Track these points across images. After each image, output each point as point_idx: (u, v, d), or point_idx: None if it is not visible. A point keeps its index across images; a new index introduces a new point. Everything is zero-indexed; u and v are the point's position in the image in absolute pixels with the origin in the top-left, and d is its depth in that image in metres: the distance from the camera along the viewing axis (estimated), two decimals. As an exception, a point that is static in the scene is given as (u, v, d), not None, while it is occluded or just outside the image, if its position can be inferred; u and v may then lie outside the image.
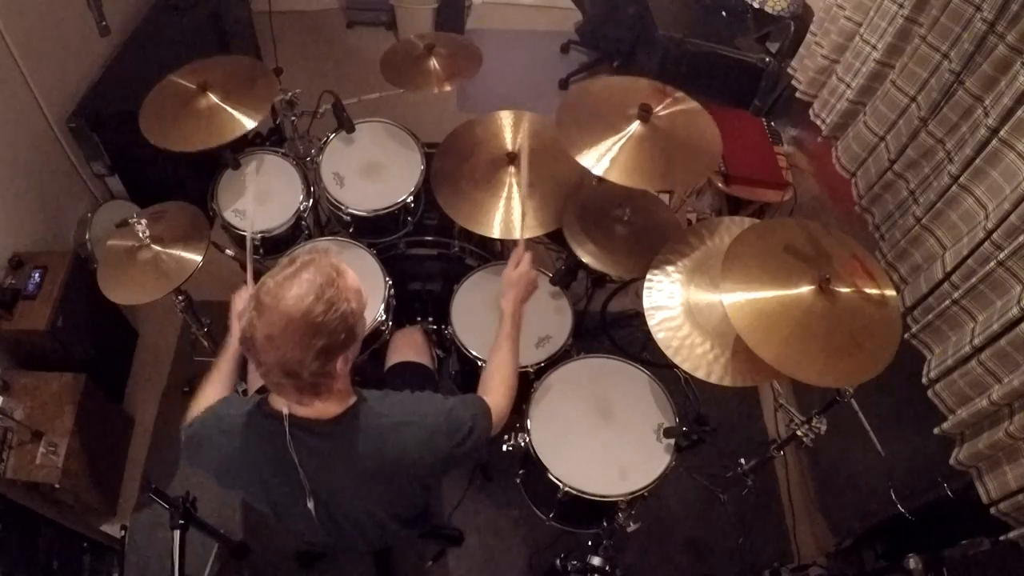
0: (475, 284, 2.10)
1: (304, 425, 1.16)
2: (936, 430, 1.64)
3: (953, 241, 1.66)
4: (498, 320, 1.55)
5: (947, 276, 1.63)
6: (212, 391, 1.42)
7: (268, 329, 1.03)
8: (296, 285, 1.04)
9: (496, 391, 1.42)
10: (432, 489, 1.43)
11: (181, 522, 1.64)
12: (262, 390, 1.42)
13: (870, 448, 1.98)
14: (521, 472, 1.96)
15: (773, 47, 2.88)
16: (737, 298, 1.48)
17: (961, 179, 1.63)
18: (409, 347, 1.99)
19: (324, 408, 1.17)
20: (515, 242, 1.70)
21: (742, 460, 2.10)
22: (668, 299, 1.71)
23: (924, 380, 1.69)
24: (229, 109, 1.96)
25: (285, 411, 1.15)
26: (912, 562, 1.63)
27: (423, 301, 2.33)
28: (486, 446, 1.36)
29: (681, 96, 1.83)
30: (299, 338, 1.03)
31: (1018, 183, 1.46)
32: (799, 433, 1.81)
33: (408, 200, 2.16)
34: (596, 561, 1.74)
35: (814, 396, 1.97)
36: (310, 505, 1.22)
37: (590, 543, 1.79)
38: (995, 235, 1.48)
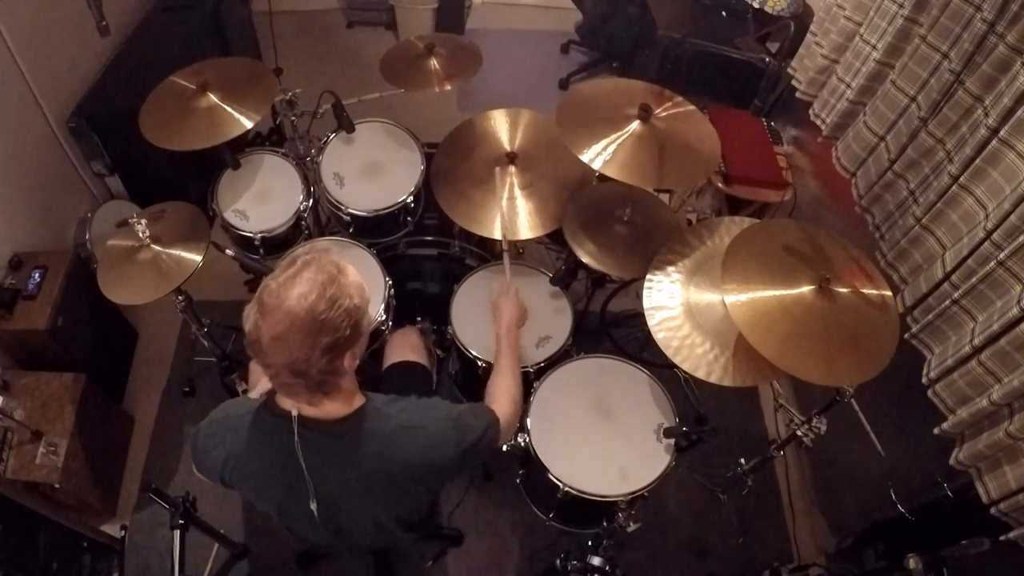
0: (475, 284, 2.09)
1: (311, 425, 1.16)
2: (936, 430, 1.64)
3: (953, 241, 1.66)
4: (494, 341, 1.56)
5: (947, 276, 1.63)
6: None
7: (274, 330, 1.04)
8: (298, 284, 1.05)
9: (501, 403, 1.43)
10: (436, 494, 1.45)
11: (181, 522, 1.64)
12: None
13: (870, 448, 1.98)
14: (521, 472, 1.96)
15: (773, 47, 2.88)
16: (737, 297, 1.48)
17: (961, 179, 1.63)
18: (406, 347, 1.98)
19: (332, 408, 1.17)
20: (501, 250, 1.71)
21: (742, 460, 2.10)
22: (668, 299, 1.71)
23: (924, 380, 1.69)
24: (229, 109, 1.96)
25: (294, 412, 1.15)
26: (912, 562, 1.63)
27: (423, 301, 2.33)
28: (491, 455, 1.36)
29: (680, 100, 1.84)
30: (304, 336, 1.04)
31: (1018, 183, 1.46)
32: (799, 433, 1.81)
33: (408, 200, 2.16)
34: (596, 561, 1.74)
35: (814, 396, 1.97)
36: (313, 506, 1.22)
37: (590, 543, 1.79)
38: (995, 235, 1.48)
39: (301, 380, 1.08)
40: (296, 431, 1.15)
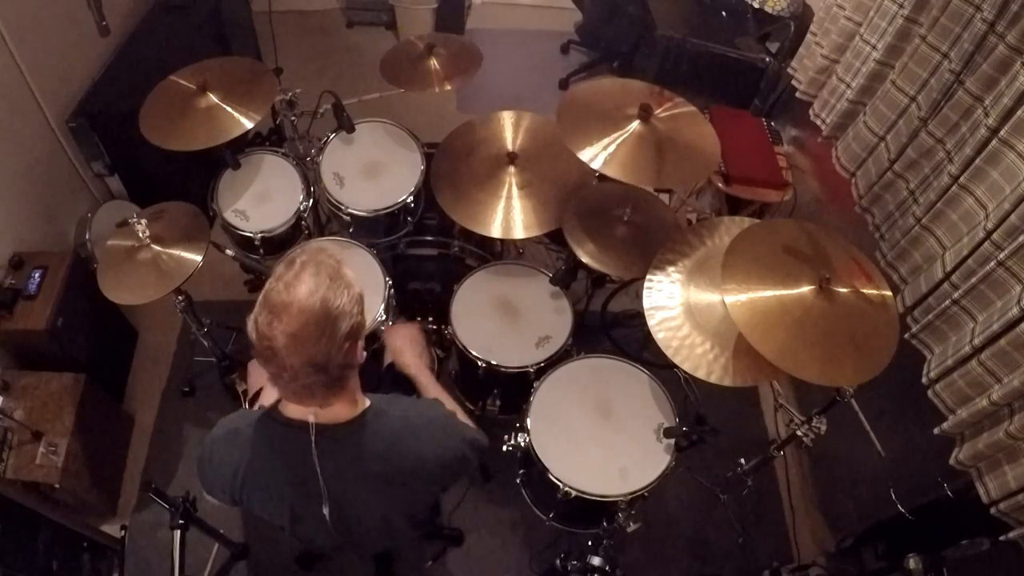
0: (475, 284, 2.10)
1: (320, 430, 1.16)
2: (936, 430, 1.64)
3: (953, 241, 1.66)
4: (416, 376, 1.61)
5: (947, 276, 1.63)
6: None
7: (290, 327, 1.02)
8: (305, 282, 1.05)
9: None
10: (444, 490, 1.47)
11: (181, 522, 1.64)
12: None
13: (870, 448, 1.99)
14: (521, 472, 1.96)
15: (773, 47, 2.88)
16: (737, 297, 1.48)
17: (961, 179, 1.63)
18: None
19: (340, 411, 1.17)
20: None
21: (742, 460, 2.10)
22: (668, 299, 1.71)
23: (924, 380, 1.69)
24: (229, 109, 1.97)
25: (311, 419, 1.14)
26: (912, 562, 1.63)
27: (423, 301, 2.33)
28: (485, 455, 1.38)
29: (680, 101, 1.84)
30: (323, 328, 1.03)
31: (1018, 183, 1.45)
32: (799, 433, 1.81)
33: (408, 200, 2.16)
34: (596, 561, 1.74)
35: (814, 396, 1.97)
36: (325, 511, 1.22)
37: (590, 543, 1.79)
38: (995, 235, 1.48)
39: (321, 376, 1.07)
40: (313, 438, 1.14)
